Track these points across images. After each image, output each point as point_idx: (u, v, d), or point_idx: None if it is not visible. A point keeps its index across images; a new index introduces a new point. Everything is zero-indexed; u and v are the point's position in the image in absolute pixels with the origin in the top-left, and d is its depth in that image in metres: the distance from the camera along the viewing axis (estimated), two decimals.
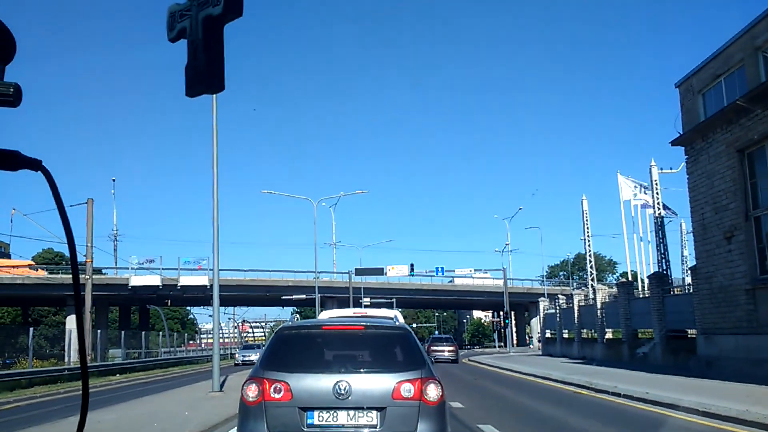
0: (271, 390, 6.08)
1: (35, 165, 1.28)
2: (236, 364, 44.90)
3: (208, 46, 1.92)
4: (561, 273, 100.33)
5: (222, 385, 18.12)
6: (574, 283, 77.79)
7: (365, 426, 5.99)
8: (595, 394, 16.28)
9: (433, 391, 6.10)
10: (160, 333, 56.32)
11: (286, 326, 7.24)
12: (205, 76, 1.85)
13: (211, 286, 58.84)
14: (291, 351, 6.60)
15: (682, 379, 18.25)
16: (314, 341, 6.89)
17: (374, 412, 6.01)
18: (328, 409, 6.01)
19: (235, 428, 7.25)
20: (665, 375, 19.99)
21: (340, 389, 5.99)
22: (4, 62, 1.37)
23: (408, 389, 6.06)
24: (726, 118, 20.98)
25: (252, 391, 6.15)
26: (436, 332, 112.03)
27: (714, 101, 22.57)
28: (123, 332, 45.06)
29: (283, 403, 6.05)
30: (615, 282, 65.64)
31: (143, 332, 50.58)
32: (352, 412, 6.02)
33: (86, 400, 1.44)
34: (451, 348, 38.30)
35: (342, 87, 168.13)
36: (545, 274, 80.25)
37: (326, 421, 6.03)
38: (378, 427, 5.98)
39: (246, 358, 43.23)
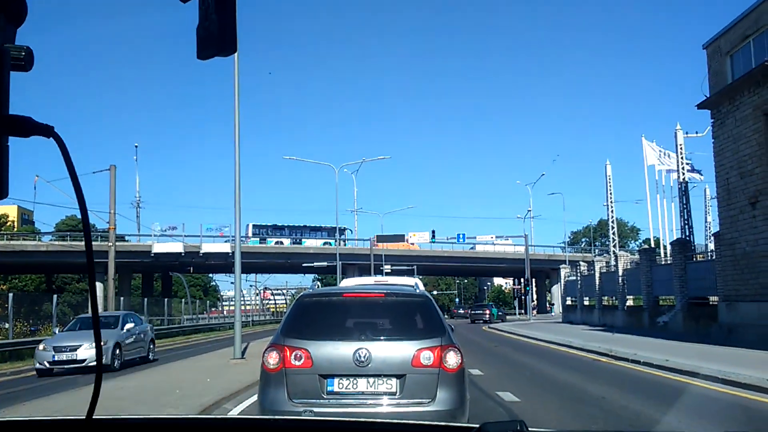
0: (292, 357, 6.09)
1: (47, 131, 1.26)
2: None
3: (220, 7, 1.87)
4: (583, 239, 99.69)
5: (244, 352, 18.30)
6: (596, 250, 77.39)
7: (385, 393, 6.03)
8: (614, 362, 16.24)
9: (452, 359, 6.11)
10: (183, 300, 56.98)
11: (307, 294, 7.21)
12: (216, 37, 1.79)
13: (233, 253, 59.39)
14: (311, 318, 6.61)
15: (703, 347, 18.14)
16: (335, 309, 6.87)
17: (394, 379, 6.03)
18: (348, 376, 6.03)
19: (257, 395, 7.25)
20: (686, 342, 19.87)
21: (360, 356, 5.99)
22: (15, 24, 1.34)
23: (428, 357, 6.06)
24: (754, 80, 20.52)
25: (273, 359, 6.17)
26: (457, 300, 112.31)
27: (742, 63, 22.07)
28: (145, 299, 45.60)
29: (303, 370, 6.07)
30: (637, 249, 65.09)
31: (166, 299, 51.21)
32: (371, 379, 6.04)
33: (100, 375, 1.44)
34: (487, 311, 55.46)
35: (362, 53, 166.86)
36: (567, 240, 79.78)
37: (346, 388, 6.06)
38: (397, 394, 6.01)
39: None
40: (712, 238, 27.40)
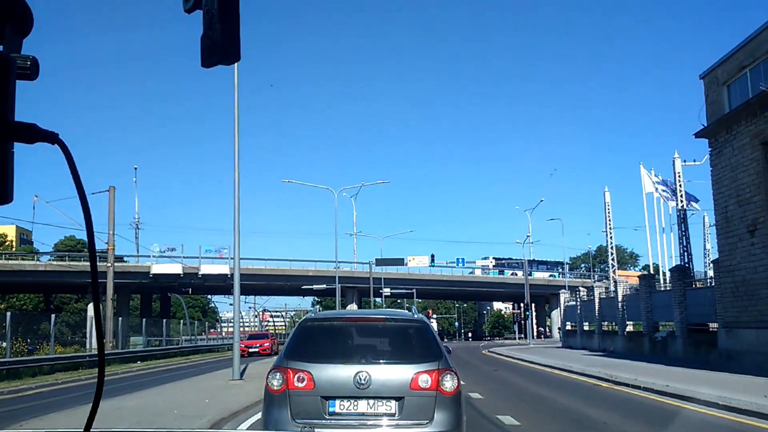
0: (295, 379, 6.28)
1: (52, 138, 1.28)
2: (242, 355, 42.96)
3: (224, 15, 1.95)
4: (582, 265, 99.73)
5: (242, 374, 18.26)
6: (596, 276, 77.33)
7: (384, 414, 6.18)
8: (615, 387, 16.20)
9: (449, 382, 6.26)
10: (181, 321, 56.83)
11: (309, 318, 7.30)
12: (220, 46, 1.83)
13: (232, 275, 59.19)
14: (314, 342, 6.79)
15: (702, 373, 18.09)
16: (336, 332, 7.03)
17: (393, 402, 6.19)
18: (349, 398, 6.20)
19: (255, 416, 7.86)
20: (686, 368, 19.84)
21: (361, 379, 6.17)
22: (21, 35, 1.40)
23: (425, 380, 6.22)
24: (751, 110, 20.70)
25: (276, 380, 6.36)
26: (456, 324, 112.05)
27: (739, 93, 22.27)
28: (144, 320, 45.52)
29: (305, 392, 6.25)
30: (636, 275, 65.06)
31: (164, 320, 51.05)
32: (371, 401, 6.20)
33: (101, 387, 1.46)
34: None
35: (363, 77, 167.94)
36: (567, 266, 79.72)
37: (347, 409, 6.22)
38: (396, 415, 6.16)
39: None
40: (711, 265, 27.43)
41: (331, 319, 7.57)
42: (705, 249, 55.12)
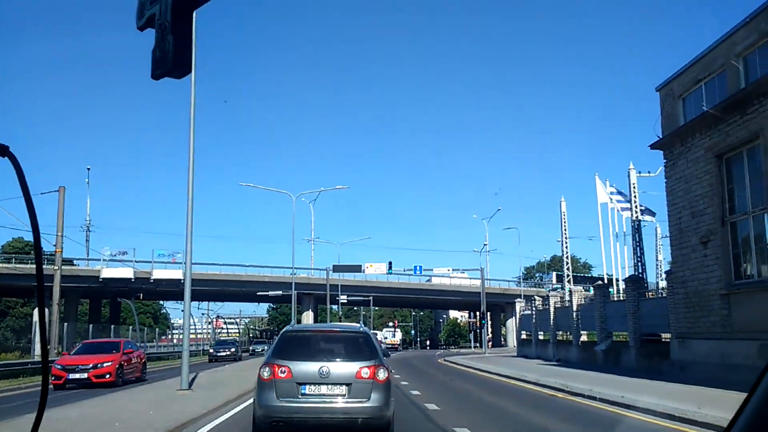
0: (279, 371, 9.17)
1: (2, 150, 1.28)
2: (210, 360, 45.89)
3: (176, 28, 1.80)
4: (537, 274, 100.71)
5: (191, 383, 17.69)
6: (550, 285, 78.04)
7: (338, 395, 9.13)
8: (571, 397, 16.10)
9: (381, 374, 9.24)
10: (130, 327, 55.52)
11: (289, 329, 10.71)
12: (171, 58, 1.86)
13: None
14: (291, 346, 9.72)
15: (657, 383, 18.14)
16: (307, 340, 10.16)
17: (344, 386, 9.14)
18: (315, 383, 9.13)
19: (205, 428, 10.91)
20: (640, 379, 19.90)
21: (323, 371, 9.13)
22: None
23: (365, 372, 9.17)
24: (705, 123, 20.93)
25: (266, 372, 9.22)
26: (413, 332, 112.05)
27: (694, 106, 22.54)
28: (91, 325, 44.31)
29: (286, 380, 9.12)
30: (591, 285, 65.78)
31: (112, 326, 49.81)
32: (330, 386, 9.14)
33: (45, 397, 1.45)
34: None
35: (321, 82, 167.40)
36: (521, 275, 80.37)
37: (314, 391, 9.13)
38: (346, 395, 9.11)
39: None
40: (664, 275, 27.71)
41: (303, 330, 11.45)
42: (657, 260, 56.07)
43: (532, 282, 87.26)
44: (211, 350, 49.63)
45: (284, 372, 9.12)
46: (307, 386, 9.11)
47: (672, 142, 22.94)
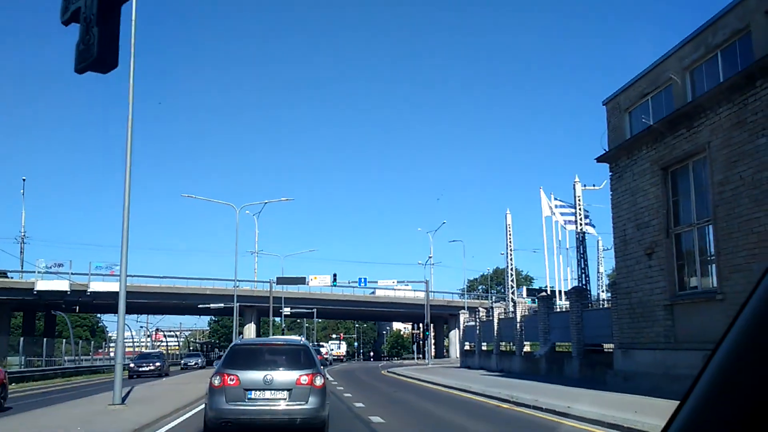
0: (228, 379, 10.41)
1: None
2: (130, 377, 37.48)
3: (102, 22, 1.96)
4: (479, 287, 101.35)
5: (125, 397, 16.82)
6: (493, 297, 78.57)
7: (281, 399, 10.41)
8: (517, 408, 15.87)
9: (318, 380, 10.60)
10: (64, 341, 53.45)
11: (237, 343, 12.31)
12: (96, 51, 1.99)
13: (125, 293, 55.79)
14: (239, 357, 11.03)
15: (601, 394, 18.08)
16: (253, 351, 11.45)
17: (285, 391, 10.44)
18: (260, 389, 10.40)
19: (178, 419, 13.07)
20: (584, 389, 19.85)
21: (267, 379, 10.44)
22: None
23: (304, 379, 10.51)
24: (652, 136, 21.09)
25: (217, 380, 10.46)
26: (356, 344, 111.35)
27: (640, 119, 22.75)
28: (22, 339, 42.39)
29: (234, 387, 10.36)
30: (534, 297, 66.38)
31: (45, 339, 47.87)
32: (273, 391, 10.42)
33: None
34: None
35: (263, 93, 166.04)
36: (465, 287, 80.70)
37: (259, 396, 10.40)
38: (288, 399, 10.41)
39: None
40: (605, 287, 28.00)
41: (250, 344, 13.12)
42: (599, 272, 56.89)
43: (475, 294, 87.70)
44: (132, 365, 40.44)
45: (233, 380, 10.44)
46: (253, 392, 10.45)
47: (618, 155, 23.08)
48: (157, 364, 41.05)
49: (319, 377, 10.64)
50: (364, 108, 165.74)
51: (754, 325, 1.07)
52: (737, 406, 1.05)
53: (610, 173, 23.75)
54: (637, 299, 21.60)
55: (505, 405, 16.69)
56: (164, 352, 77.46)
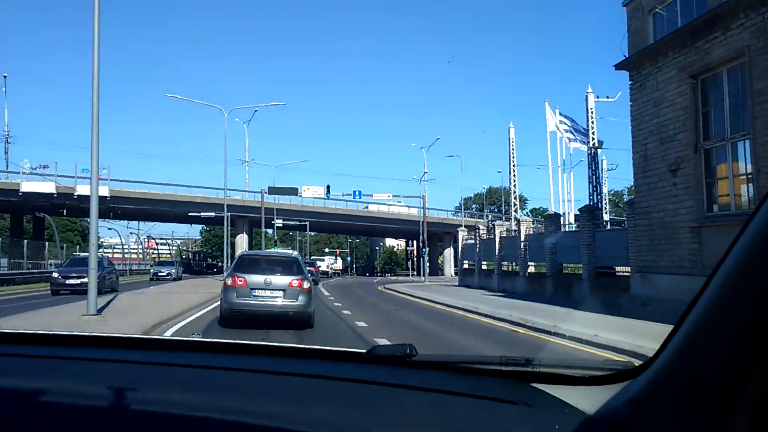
0: (238, 280, 13.63)
1: None
2: (152, 279, 48.99)
3: None
4: (473, 206, 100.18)
5: (104, 307, 15.33)
6: (490, 216, 77.41)
7: (277, 296, 13.59)
8: (533, 333, 14.51)
9: (305, 284, 13.80)
10: (47, 244, 52.10)
11: (245, 253, 17.09)
12: None
13: (112, 197, 54.07)
14: (246, 263, 14.32)
15: (622, 321, 16.75)
16: (257, 260, 14.67)
17: (281, 291, 13.62)
18: (262, 289, 13.59)
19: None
20: (600, 314, 18.43)
21: (267, 281, 13.66)
22: None
23: (295, 282, 13.67)
24: (680, 40, 19.07)
25: (230, 281, 13.77)
26: (349, 259, 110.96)
27: (666, 22, 20.70)
28: (3, 240, 40.95)
29: (243, 286, 13.60)
30: (541, 215, 65.13)
31: (25, 241, 46.54)
32: (272, 291, 13.60)
33: None
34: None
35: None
36: (461, 204, 79.38)
37: (261, 294, 13.58)
38: (283, 297, 13.59)
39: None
40: (626, 206, 26.26)
41: (254, 254, 16.20)
42: (603, 192, 55.20)
43: (468, 213, 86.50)
44: (152, 269, 54.26)
45: (242, 281, 13.65)
46: (257, 290, 13.63)
47: (640, 61, 21.08)
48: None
49: (306, 282, 13.92)
50: (364, 19, 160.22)
51: (756, 244, 1.02)
52: (737, 322, 1.02)
53: (630, 82, 21.77)
54: (658, 219, 20.05)
55: (520, 330, 15.30)
56: (157, 259, 76.88)
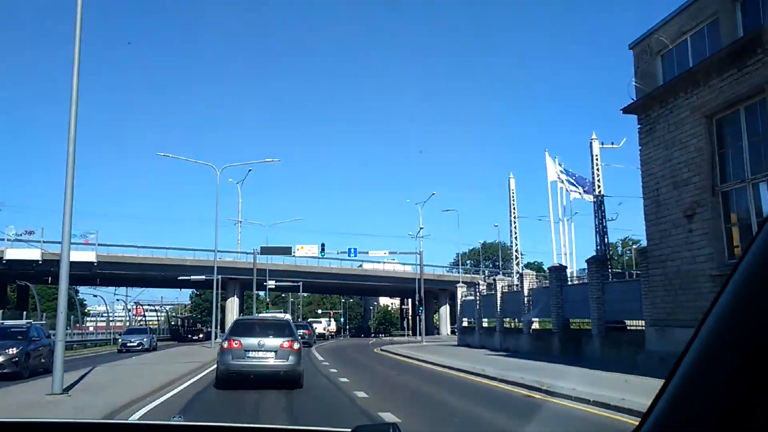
0: (233, 343, 14.96)
1: None
2: (119, 351, 41.14)
3: None
4: (468, 261, 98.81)
5: (72, 386, 13.75)
6: (486, 271, 75.99)
7: (269, 357, 14.91)
8: (552, 399, 12.98)
9: (295, 345, 15.25)
10: (24, 314, 50.39)
11: (240, 319, 20.68)
12: None
13: (100, 262, 52.23)
14: (241, 328, 16.00)
15: (645, 380, 15.22)
16: (251, 324, 16.50)
17: (273, 352, 14.97)
18: (255, 350, 14.92)
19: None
20: (617, 373, 16.94)
21: (260, 343, 15.02)
22: None
23: (286, 344, 15.08)
24: (692, 80, 18.29)
25: (226, 344, 15.08)
26: (342, 320, 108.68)
27: (676, 62, 19.94)
28: None
29: (238, 349, 14.88)
30: (519, 272, 63.67)
31: (1, 311, 45.05)
32: (264, 352, 14.95)
33: None
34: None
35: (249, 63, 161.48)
36: (459, 260, 77.96)
37: (254, 355, 14.89)
38: (275, 357, 14.93)
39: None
40: (635, 255, 25.03)
41: (248, 319, 19.53)
42: (604, 243, 53.94)
43: (464, 268, 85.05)
44: (120, 339, 44.91)
45: (237, 344, 14.80)
46: (251, 352, 14.78)
47: (649, 104, 20.28)
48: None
49: (296, 343, 15.28)
50: (358, 68, 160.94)
51: (738, 295, 1.03)
52: (724, 370, 1.01)
53: (639, 126, 20.97)
54: (674, 268, 18.82)
55: (537, 395, 13.78)
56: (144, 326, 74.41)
